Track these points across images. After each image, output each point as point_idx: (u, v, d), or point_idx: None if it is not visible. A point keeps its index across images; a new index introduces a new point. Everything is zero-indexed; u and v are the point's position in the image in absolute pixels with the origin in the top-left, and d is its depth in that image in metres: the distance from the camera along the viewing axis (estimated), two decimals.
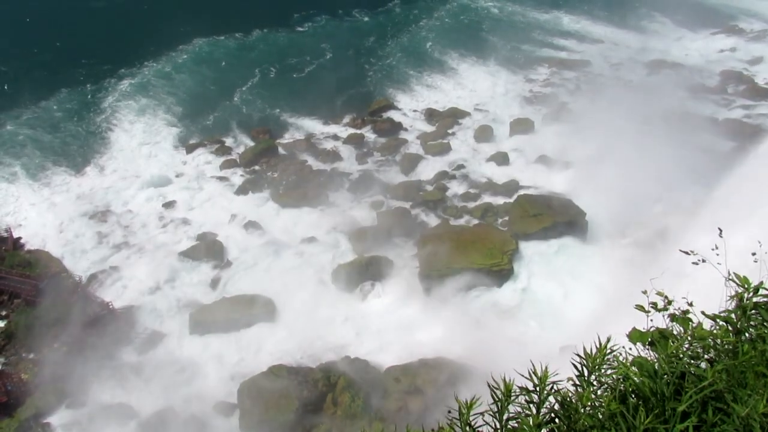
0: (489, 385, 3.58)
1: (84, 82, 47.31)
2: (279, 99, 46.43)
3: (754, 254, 4.94)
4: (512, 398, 3.59)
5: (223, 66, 50.87)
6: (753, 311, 4.04)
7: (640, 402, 3.64)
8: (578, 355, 3.77)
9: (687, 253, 4.83)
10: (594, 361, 3.72)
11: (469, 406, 3.57)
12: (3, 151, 39.65)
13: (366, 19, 60.27)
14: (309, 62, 51.82)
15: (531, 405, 3.61)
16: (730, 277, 4.12)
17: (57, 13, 57.77)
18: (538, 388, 3.65)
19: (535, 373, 3.63)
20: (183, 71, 49.54)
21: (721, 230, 5.26)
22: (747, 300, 3.99)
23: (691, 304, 4.23)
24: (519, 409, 3.61)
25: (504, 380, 3.60)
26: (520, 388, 3.62)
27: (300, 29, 57.70)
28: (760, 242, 5.15)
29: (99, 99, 45.63)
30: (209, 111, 44.98)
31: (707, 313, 4.17)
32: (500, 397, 3.58)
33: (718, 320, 4.05)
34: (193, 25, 54.31)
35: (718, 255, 4.91)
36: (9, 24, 55.07)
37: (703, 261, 4.80)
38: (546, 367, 3.68)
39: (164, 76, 48.57)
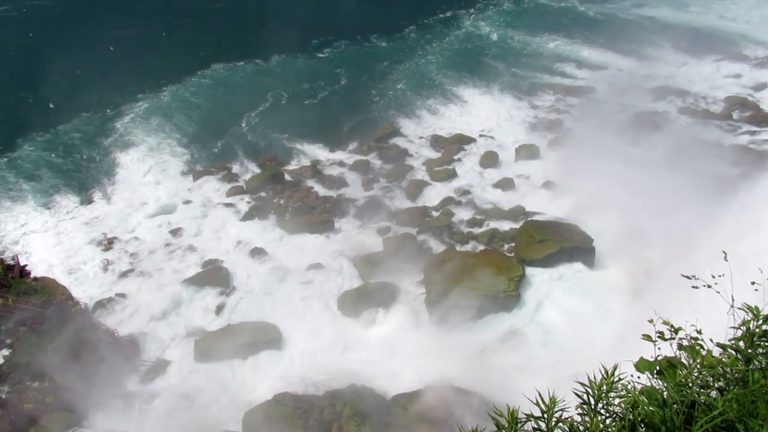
0: (490, 414, 3.52)
1: (104, 107, 48.22)
2: (287, 125, 46.76)
3: (753, 283, 4.89)
4: (519, 426, 3.53)
5: (236, 91, 51.43)
6: (763, 339, 3.99)
7: (650, 431, 3.58)
8: (581, 383, 3.72)
9: (688, 277, 4.79)
10: (600, 389, 3.67)
11: None
12: (16, 174, 40.08)
13: (383, 44, 61.11)
14: (322, 88, 52.35)
15: None
16: (739, 306, 4.08)
17: (78, 42, 58.84)
18: (546, 416, 3.60)
19: (542, 400, 3.58)
20: (198, 97, 50.18)
21: (725, 253, 5.22)
22: (755, 328, 3.94)
23: (699, 332, 4.17)
24: None
25: (509, 408, 3.55)
26: (527, 415, 3.57)
27: (320, 55, 58.49)
28: (761, 269, 5.10)
29: (114, 124, 46.29)
30: (218, 137, 45.37)
31: (715, 341, 4.12)
32: (506, 425, 3.53)
33: (727, 349, 4.00)
34: (214, 51, 55.46)
35: (716, 283, 4.87)
36: (30, 53, 56.08)
37: (708, 287, 4.76)
38: (553, 395, 3.63)
39: (178, 103, 49.18)
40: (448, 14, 68.44)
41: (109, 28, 61.27)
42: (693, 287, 4.86)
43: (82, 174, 41.06)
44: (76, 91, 49.30)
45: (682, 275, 4.92)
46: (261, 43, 56.91)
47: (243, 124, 47.00)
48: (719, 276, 4.93)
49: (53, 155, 42.32)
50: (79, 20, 63.45)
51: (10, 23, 62.71)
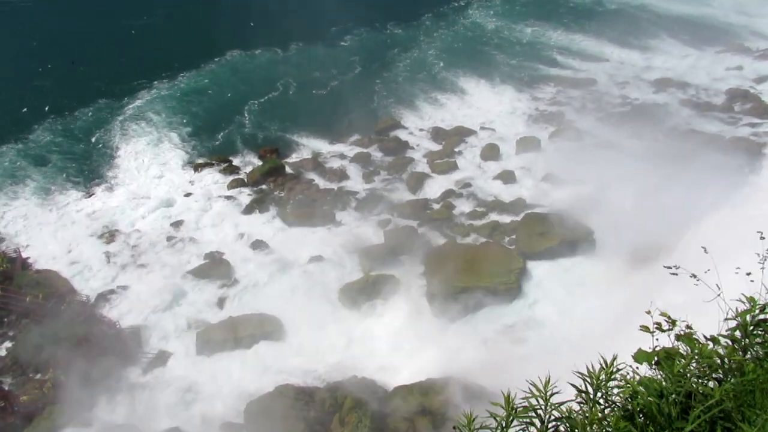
0: (489, 412, 3.56)
1: (121, 95, 48.24)
2: (291, 116, 46.66)
3: (749, 274, 4.93)
4: (516, 413, 3.58)
5: (248, 80, 51.34)
6: (760, 330, 4.03)
7: (647, 422, 3.62)
8: (580, 373, 3.76)
9: (669, 267, 4.85)
10: (598, 378, 3.71)
11: (469, 422, 3.56)
12: (24, 162, 40.17)
13: (399, 31, 61.30)
14: (333, 77, 52.23)
15: (536, 420, 3.60)
16: (731, 296, 4.12)
17: (96, 30, 59.21)
18: (543, 406, 3.65)
19: (540, 391, 3.62)
20: (210, 85, 50.22)
21: (705, 248, 5.29)
22: (751, 318, 3.99)
23: (690, 327, 4.22)
24: (524, 428, 3.60)
25: (507, 397, 3.59)
26: (525, 407, 3.62)
27: (342, 43, 58.62)
28: (760, 256, 5.13)
29: (126, 112, 46.19)
30: (221, 128, 45.27)
31: (714, 331, 4.16)
32: (503, 415, 3.57)
33: (722, 339, 4.04)
34: (233, 38, 55.81)
35: (707, 272, 4.91)
36: (48, 41, 56.22)
37: (694, 276, 4.82)
38: (551, 385, 3.67)
39: (190, 91, 49.18)
40: (461, 2, 68.77)
41: (128, 17, 61.46)
42: (672, 274, 4.90)
43: (87, 164, 41.02)
44: (95, 79, 49.54)
45: (664, 266, 4.98)
46: (281, 30, 56.83)
47: (246, 115, 46.90)
48: (709, 269, 4.98)
49: (63, 143, 42.34)
50: (97, 9, 63.78)
51: (28, 13, 63.00)
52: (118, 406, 24.55)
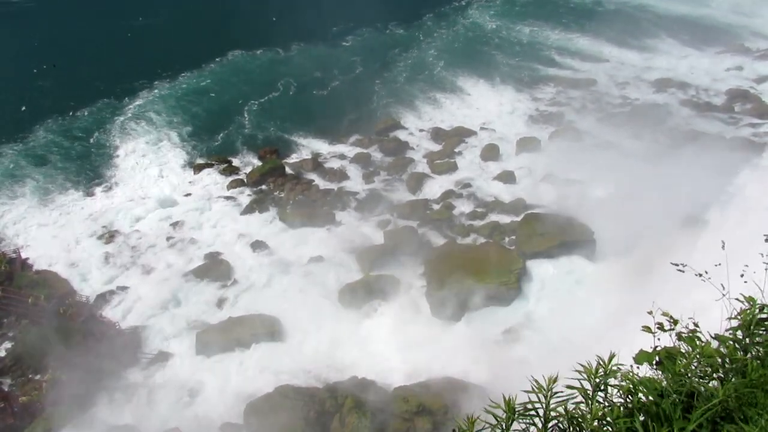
0: (486, 408, 3.54)
1: (122, 95, 48.32)
2: (291, 116, 46.69)
3: (742, 275, 4.90)
4: (517, 416, 3.56)
5: (249, 80, 51.37)
6: (761, 329, 4.01)
7: (648, 420, 3.60)
8: (579, 371, 3.74)
9: (676, 264, 4.83)
10: (596, 374, 3.69)
11: (471, 423, 3.54)
12: (25, 162, 40.11)
13: (401, 31, 61.44)
14: (334, 77, 52.26)
15: (537, 419, 3.59)
16: (738, 296, 4.10)
17: (97, 31, 59.40)
18: (544, 405, 3.63)
19: (540, 390, 3.60)
20: (211, 85, 50.25)
21: (723, 243, 5.26)
22: (751, 317, 3.97)
23: (696, 325, 4.19)
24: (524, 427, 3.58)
25: (507, 397, 3.57)
26: (526, 408, 3.59)
27: (344, 43, 58.74)
28: (747, 265, 5.12)
29: (126, 112, 46.19)
30: (221, 128, 45.26)
31: (715, 331, 4.14)
32: (503, 415, 3.55)
33: (723, 339, 4.02)
34: (235, 39, 56.08)
35: (717, 266, 4.89)
36: (50, 42, 56.35)
37: (700, 275, 4.79)
38: (552, 384, 3.65)
39: (191, 91, 49.20)
40: (462, 2, 68.95)
41: (128, 17, 61.59)
42: (697, 275, 4.88)
43: (86, 164, 40.98)
44: (95, 79, 49.61)
45: (672, 263, 4.96)
46: (283, 30, 56.97)
47: (246, 115, 46.89)
48: (717, 265, 4.96)
49: (63, 143, 42.31)
50: (98, 9, 63.95)
51: (31, 13, 63.15)
52: (117, 407, 24.50)
